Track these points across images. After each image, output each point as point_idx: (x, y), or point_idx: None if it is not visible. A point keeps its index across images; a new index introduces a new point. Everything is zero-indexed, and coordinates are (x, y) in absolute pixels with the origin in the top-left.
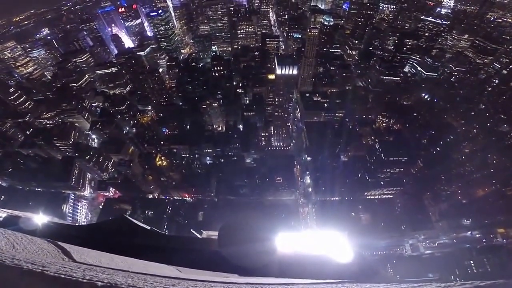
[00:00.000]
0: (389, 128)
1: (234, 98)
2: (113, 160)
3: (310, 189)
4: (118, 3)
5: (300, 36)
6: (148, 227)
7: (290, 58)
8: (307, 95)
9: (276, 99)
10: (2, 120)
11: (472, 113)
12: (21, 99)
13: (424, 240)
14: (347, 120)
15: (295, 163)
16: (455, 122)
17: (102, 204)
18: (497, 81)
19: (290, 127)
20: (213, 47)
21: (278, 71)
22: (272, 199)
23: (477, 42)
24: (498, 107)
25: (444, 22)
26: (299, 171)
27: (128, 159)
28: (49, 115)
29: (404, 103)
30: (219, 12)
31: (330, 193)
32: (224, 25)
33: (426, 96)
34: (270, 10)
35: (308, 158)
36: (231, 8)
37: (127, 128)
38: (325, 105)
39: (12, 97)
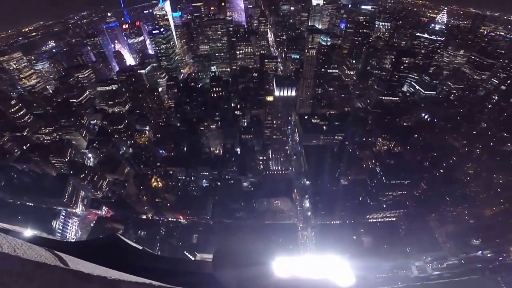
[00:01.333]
0: (390, 151)
1: (232, 120)
2: (108, 179)
3: (309, 213)
4: (122, 19)
5: (298, 56)
6: (140, 247)
7: (289, 79)
8: (306, 117)
9: (275, 122)
10: (0, 133)
11: (474, 132)
12: (21, 112)
13: (431, 262)
14: (347, 143)
15: (294, 187)
16: (457, 143)
17: (94, 222)
18: (496, 97)
19: (289, 151)
20: (212, 67)
21: (277, 93)
22: (269, 223)
23: (473, 57)
24: (500, 126)
25: (439, 38)
26: (298, 195)
27: (123, 179)
28: (47, 131)
29: (404, 124)
30: (219, 32)
31: (330, 217)
32: (223, 45)
33: (426, 116)
34: (269, 31)
35: (307, 182)
36: (230, 28)
37: (124, 148)
38: (324, 127)
39: (12, 110)
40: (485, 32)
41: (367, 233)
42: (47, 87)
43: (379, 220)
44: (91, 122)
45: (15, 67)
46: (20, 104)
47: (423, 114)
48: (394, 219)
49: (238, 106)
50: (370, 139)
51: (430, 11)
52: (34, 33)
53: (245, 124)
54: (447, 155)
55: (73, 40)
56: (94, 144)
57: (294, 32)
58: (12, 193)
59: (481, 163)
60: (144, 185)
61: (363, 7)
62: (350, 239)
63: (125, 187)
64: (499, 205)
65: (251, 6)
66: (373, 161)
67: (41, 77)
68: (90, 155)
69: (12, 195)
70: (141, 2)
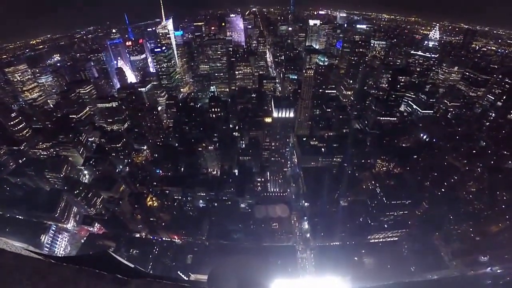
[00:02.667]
0: (390, 172)
1: (230, 141)
2: (102, 196)
3: (308, 235)
4: (126, 36)
5: (296, 77)
6: (132, 265)
7: (287, 100)
8: (304, 139)
9: (273, 144)
10: None
11: (474, 151)
12: (20, 126)
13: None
14: (346, 164)
15: (292, 208)
16: (458, 163)
17: (84, 238)
18: (493, 114)
19: (287, 173)
20: (211, 87)
21: (275, 114)
22: (267, 245)
23: (467, 73)
24: (499, 143)
25: (433, 55)
26: (297, 217)
27: (118, 197)
28: (44, 146)
29: (403, 145)
30: (218, 52)
31: (330, 238)
32: (223, 65)
33: (424, 137)
34: (267, 51)
35: (306, 204)
36: (230, 48)
37: (121, 167)
38: (323, 149)
39: (12, 123)
40: (477, 47)
41: (368, 254)
42: (48, 101)
43: (381, 240)
44: (89, 139)
45: (19, 79)
46: (20, 118)
47: (421, 135)
48: (397, 238)
49: (237, 127)
50: (369, 160)
51: (423, 28)
52: (41, 46)
53: (243, 145)
54: (448, 174)
55: (78, 54)
56: (91, 162)
57: (292, 53)
58: (2, 205)
59: (483, 181)
60: (139, 203)
61: (358, 26)
62: (351, 260)
63: (120, 205)
64: (505, 221)
65: (250, 27)
66: (373, 182)
67: (43, 91)
68: (86, 172)
69: (1, 207)
70: (145, 20)
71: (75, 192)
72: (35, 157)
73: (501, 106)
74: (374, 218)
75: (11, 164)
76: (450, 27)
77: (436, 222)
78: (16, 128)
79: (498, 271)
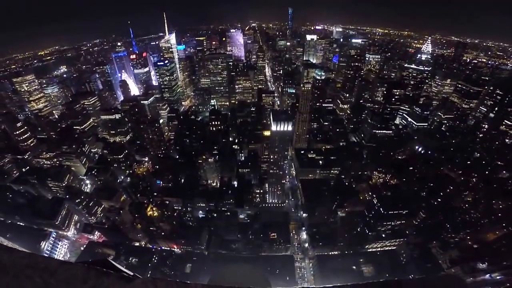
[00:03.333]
0: (386, 183)
1: (230, 154)
2: (103, 206)
3: (306, 244)
4: (130, 49)
5: (294, 91)
6: (131, 273)
7: (285, 114)
8: (302, 152)
9: (272, 156)
10: (2, 155)
11: (468, 162)
12: (25, 136)
13: None
14: (343, 177)
15: (290, 219)
16: (453, 173)
17: (84, 246)
18: (486, 126)
19: (285, 184)
20: (212, 101)
21: (274, 127)
22: (266, 254)
23: (459, 86)
24: (493, 154)
25: (426, 68)
26: (295, 227)
27: (119, 207)
28: (48, 156)
29: (399, 157)
30: (219, 66)
31: (328, 248)
32: (223, 79)
33: (420, 149)
34: (266, 65)
35: (304, 215)
36: (230, 63)
37: (122, 177)
38: (320, 162)
39: (17, 132)
40: (468, 60)
41: (367, 263)
42: (54, 111)
43: (379, 249)
44: (92, 150)
45: (26, 89)
46: (25, 127)
47: (416, 147)
48: (395, 247)
49: (236, 140)
50: (366, 172)
51: (416, 41)
52: (48, 57)
53: (243, 158)
54: (443, 185)
55: (84, 66)
56: (93, 172)
57: (290, 67)
58: (4, 211)
59: (478, 191)
60: (139, 213)
61: (353, 40)
62: (350, 269)
63: (120, 214)
64: (502, 229)
65: (250, 42)
66: (370, 193)
67: (49, 101)
68: (88, 181)
69: (3, 214)
70: (149, 34)
71: (77, 200)
72: (38, 166)
73: (493, 118)
74: (371, 228)
75: (15, 172)
76: (441, 40)
77: (433, 231)
78: (21, 138)
79: (498, 277)
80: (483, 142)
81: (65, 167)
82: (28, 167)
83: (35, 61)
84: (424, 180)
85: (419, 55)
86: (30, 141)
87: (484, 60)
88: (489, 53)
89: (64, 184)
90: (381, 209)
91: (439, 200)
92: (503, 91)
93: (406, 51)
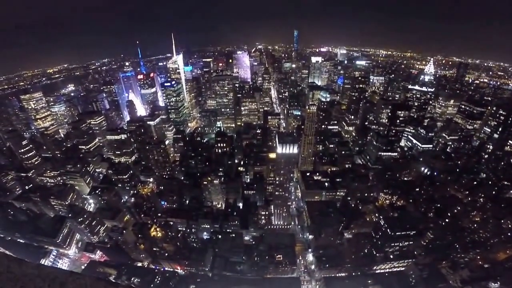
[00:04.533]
0: (393, 204)
1: (235, 176)
2: (106, 225)
3: (312, 266)
4: (138, 69)
5: (299, 113)
6: None
7: (291, 136)
8: (308, 174)
9: (277, 178)
10: (5, 172)
11: (475, 183)
12: (30, 154)
13: None
14: (349, 198)
15: (296, 241)
16: (460, 194)
17: (85, 264)
18: (491, 146)
19: (291, 206)
20: (218, 123)
21: (279, 150)
22: (271, 276)
23: (463, 106)
24: (499, 175)
25: (429, 89)
26: (301, 249)
27: (122, 226)
28: (52, 174)
29: (405, 179)
30: (225, 88)
31: (336, 269)
32: (229, 101)
33: (426, 170)
34: (272, 87)
35: (310, 236)
36: (236, 84)
37: (126, 197)
38: (326, 184)
39: (22, 150)
40: (470, 80)
41: (375, 284)
42: (60, 130)
43: (387, 270)
44: (97, 170)
45: (33, 106)
46: (30, 146)
47: (422, 168)
48: (403, 268)
49: (242, 162)
50: (372, 194)
51: (418, 62)
52: (57, 75)
53: (248, 180)
54: (451, 205)
55: (91, 85)
56: (97, 191)
57: (296, 89)
58: (4, 228)
59: (486, 211)
60: (143, 233)
61: (358, 62)
62: None
63: (123, 234)
64: None
65: (256, 63)
66: (377, 214)
67: (55, 120)
68: (91, 201)
69: (3, 231)
70: (157, 54)
71: (79, 219)
72: (42, 184)
73: (498, 138)
74: (379, 249)
75: (17, 189)
76: (443, 61)
77: (442, 251)
78: (25, 156)
79: None
80: (488, 163)
81: (68, 185)
82: (31, 185)
83: (44, 79)
84: (431, 200)
85: (422, 76)
86: (34, 159)
87: (486, 80)
88: (491, 73)
89: (67, 203)
90: (388, 230)
91: (447, 220)
92: (506, 111)
93: (410, 73)
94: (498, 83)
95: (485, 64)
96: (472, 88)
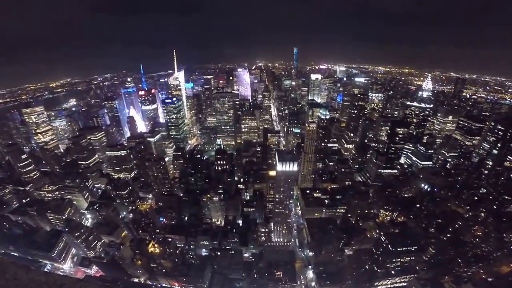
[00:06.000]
0: (393, 221)
1: (235, 193)
2: (103, 240)
3: (313, 283)
4: (140, 85)
5: (299, 131)
6: None
7: (291, 154)
8: (308, 191)
9: (277, 196)
10: (3, 185)
11: (476, 198)
12: (29, 168)
13: None
14: (349, 215)
15: (296, 258)
16: (461, 209)
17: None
18: (490, 162)
19: (291, 223)
20: (218, 140)
21: (279, 167)
22: None
23: (461, 122)
24: (500, 190)
25: (428, 106)
26: (301, 266)
27: (119, 242)
28: (50, 189)
29: (405, 195)
30: (226, 105)
31: (336, 286)
32: (229, 118)
33: (426, 187)
34: (272, 105)
35: (310, 253)
36: (237, 102)
37: (124, 213)
38: (326, 201)
39: (21, 164)
40: (468, 95)
41: None
42: (60, 145)
43: (389, 286)
44: (96, 185)
45: (34, 120)
46: (29, 160)
47: (422, 185)
48: (405, 284)
49: (242, 180)
50: (372, 210)
51: (416, 79)
52: (59, 89)
53: (248, 197)
54: (452, 220)
55: (93, 101)
56: (95, 206)
57: (296, 106)
58: None
59: (488, 225)
60: (140, 249)
61: (357, 79)
62: None
63: (120, 250)
64: None
65: (256, 81)
66: (377, 230)
67: (56, 135)
68: (89, 216)
69: None
70: (158, 71)
71: (76, 234)
72: (39, 198)
73: (497, 154)
74: (380, 265)
75: (14, 202)
76: (441, 77)
77: (444, 265)
78: (24, 170)
79: None
80: (489, 178)
81: (66, 200)
82: (28, 199)
83: (46, 93)
84: (432, 216)
85: (420, 93)
86: (33, 173)
87: (483, 96)
88: (488, 88)
89: (64, 217)
90: (389, 245)
91: (448, 235)
92: (504, 127)
93: (408, 89)
94: (496, 98)
95: (482, 79)
96: (470, 103)
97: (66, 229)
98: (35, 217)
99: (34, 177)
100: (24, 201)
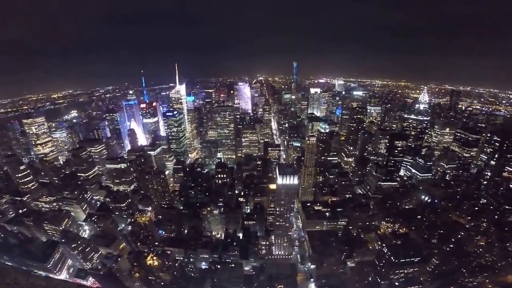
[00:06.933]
0: (395, 232)
1: (235, 206)
2: (100, 252)
3: None
4: (141, 98)
5: (299, 144)
6: None
7: (291, 167)
8: (308, 204)
9: (278, 209)
10: (0, 195)
11: (476, 208)
12: (27, 179)
13: None
14: (351, 227)
15: (298, 271)
16: (462, 220)
17: None
18: (489, 173)
19: (292, 236)
20: (218, 154)
21: (279, 181)
22: None
23: (458, 134)
24: (500, 200)
25: (425, 118)
26: (302, 279)
27: (117, 254)
28: (47, 200)
29: (406, 207)
30: (226, 119)
31: None
32: (230, 132)
33: (426, 198)
34: (272, 119)
35: (312, 266)
36: (237, 115)
37: (123, 225)
38: (327, 214)
39: (20, 175)
40: (463, 107)
41: None
42: (59, 157)
43: None
44: (94, 197)
45: (34, 131)
46: (28, 171)
47: (423, 197)
48: None
49: (242, 193)
50: (374, 222)
51: (413, 91)
52: (61, 100)
53: (248, 210)
54: (454, 231)
55: (94, 112)
56: (93, 218)
57: (296, 120)
58: None
59: (490, 235)
60: (138, 262)
61: (355, 92)
62: None
63: (118, 262)
64: None
65: (256, 95)
66: (379, 242)
67: (55, 146)
68: (86, 227)
69: None
70: (160, 84)
71: (73, 245)
72: (36, 208)
73: (494, 165)
74: (383, 277)
75: (11, 212)
76: (437, 89)
77: (449, 276)
78: (22, 180)
79: None
80: (488, 189)
81: (64, 211)
82: (25, 209)
83: (47, 104)
84: (433, 227)
85: (417, 105)
86: (31, 184)
87: (478, 107)
88: (482, 99)
89: (61, 228)
90: (392, 257)
91: (451, 245)
92: (501, 138)
93: (405, 102)
94: (490, 109)
95: (476, 91)
96: (466, 115)
97: (63, 240)
98: (31, 227)
99: (32, 187)
100: (20, 211)
